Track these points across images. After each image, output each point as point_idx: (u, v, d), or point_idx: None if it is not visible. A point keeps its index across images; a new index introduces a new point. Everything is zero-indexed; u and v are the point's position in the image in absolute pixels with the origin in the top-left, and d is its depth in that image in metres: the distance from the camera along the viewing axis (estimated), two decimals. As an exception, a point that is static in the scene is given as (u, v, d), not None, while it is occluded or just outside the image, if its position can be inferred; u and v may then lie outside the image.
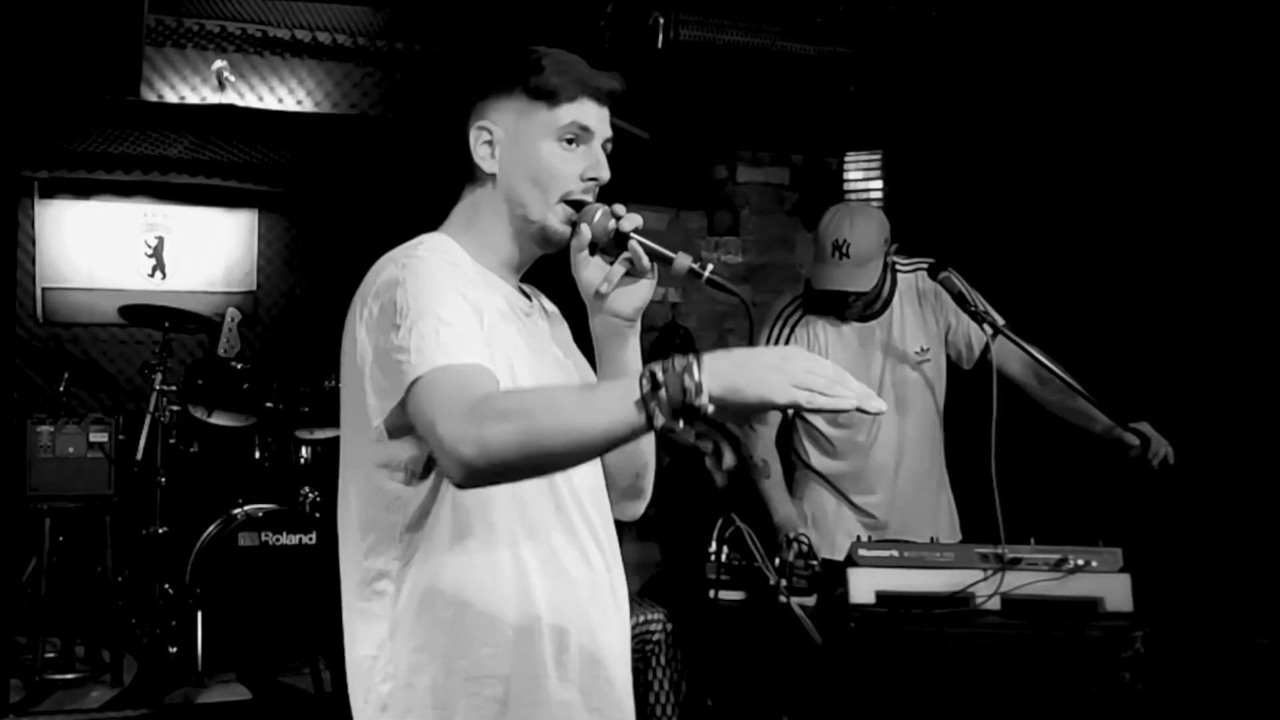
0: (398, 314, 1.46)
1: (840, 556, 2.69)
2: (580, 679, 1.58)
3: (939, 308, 3.10)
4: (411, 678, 1.52)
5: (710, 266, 1.55)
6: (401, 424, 1.48)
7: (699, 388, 1.26)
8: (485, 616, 1.52)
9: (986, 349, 2.94)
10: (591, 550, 1.63)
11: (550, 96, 1.59)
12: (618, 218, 1.59)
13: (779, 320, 3.15)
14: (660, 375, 1.28)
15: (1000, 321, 2.96)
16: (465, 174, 1.66)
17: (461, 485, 1.40)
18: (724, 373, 1.28)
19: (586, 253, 1.61)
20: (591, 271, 1.62)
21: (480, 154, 1.63)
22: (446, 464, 1.38)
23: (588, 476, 1.66)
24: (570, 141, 1.61)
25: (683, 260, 1.56)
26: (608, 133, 1.65)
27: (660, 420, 1.28)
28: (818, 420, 3.15)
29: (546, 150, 1.60)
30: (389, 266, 1.54)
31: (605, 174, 1.63)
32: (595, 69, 1.63)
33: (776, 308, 3.20)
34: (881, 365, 3.10)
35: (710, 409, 1.27)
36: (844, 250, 2.90)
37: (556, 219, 1.62)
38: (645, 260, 1.59)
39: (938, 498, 3.21)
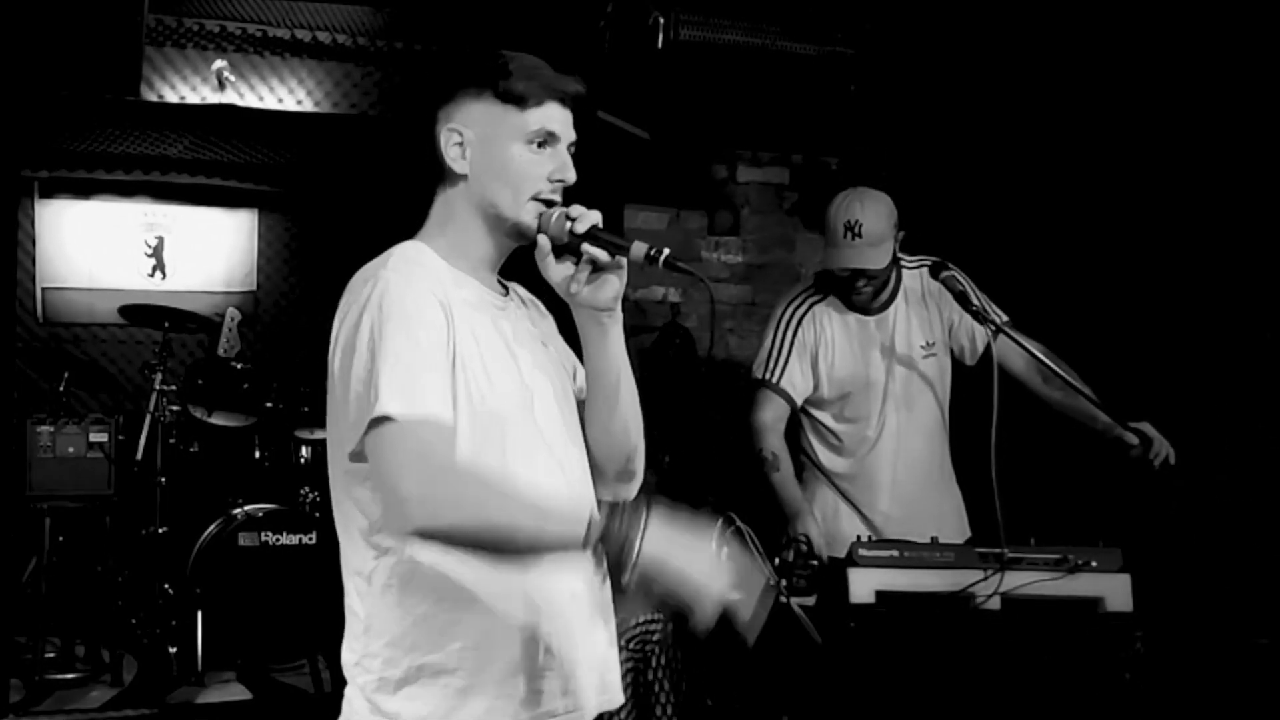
0: (359, 340, 1.50)
1: (847, 555, 2.69)
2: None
3: (943, 304, 3.11)
4: (385, 671, 1.56)
5: (666, 251, 1.61)
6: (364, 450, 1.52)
7: (633, 564, 1.44)
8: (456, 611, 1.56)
9: (989, 346, 2.94)
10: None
11: (519, 101, 1.64)
12: (572, 219, 1.64)
13: (788, 309, 3.15)
14: (606, 527, 1.44)
15: (1003, 319, 2.96)
16: (436, 174, 1.71)
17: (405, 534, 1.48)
18: (656, 559, 1.44)
19: (551, 258, 1.66)
20: (558, 272, 1.67)
21: (451, 155, 1.67)
22: (398, 518, 1.45)
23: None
24: (540, 145, 1.66)
25: (638, 248, 1.62)
26: (572, 136, 1.70)
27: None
28: (824, 416, 3.16)
29: (516, 153, 1.65)
30: (359, 283, 1.58)
31: (571, 176, 1.69)
32: (558, 72, 1.68)
33: (784, 299, 3.21)
34: (887, 360, 3.10)
35: (634, 583, 1.46)
36: (856, 230, 2.93)
37: (529, 215, 1.67)
38: (605, 256, 1.63)
39: (944, 493, 3.21)
